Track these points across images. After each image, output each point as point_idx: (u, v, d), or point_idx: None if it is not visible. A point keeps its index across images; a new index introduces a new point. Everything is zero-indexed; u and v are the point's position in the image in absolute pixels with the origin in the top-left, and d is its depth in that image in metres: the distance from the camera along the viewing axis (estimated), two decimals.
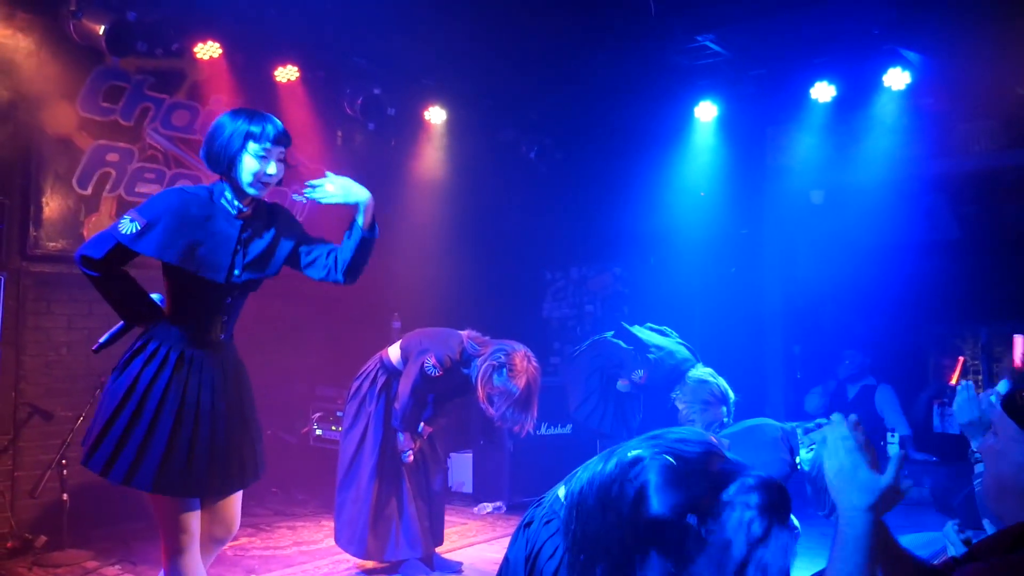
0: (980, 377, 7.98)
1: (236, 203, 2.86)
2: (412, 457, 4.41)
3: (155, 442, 2.68)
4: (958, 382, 5.88)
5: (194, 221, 2.78)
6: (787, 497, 1.98)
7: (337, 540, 4.50)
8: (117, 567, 4.51)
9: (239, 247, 2.84)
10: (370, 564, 4.57)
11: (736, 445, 3.67)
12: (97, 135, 5.35)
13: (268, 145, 2.81)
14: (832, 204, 7.13)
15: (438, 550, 4.63)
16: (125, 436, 2.69)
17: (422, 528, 4.42)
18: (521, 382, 4.11)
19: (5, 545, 4.65)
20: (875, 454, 1.56)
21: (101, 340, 2.94)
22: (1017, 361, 5.97)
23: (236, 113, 2.87)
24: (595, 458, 2.22)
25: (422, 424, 4.47)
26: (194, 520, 2.81)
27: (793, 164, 6.99)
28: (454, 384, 4.34)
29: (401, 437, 4.38)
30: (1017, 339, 6.23)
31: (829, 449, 1.58)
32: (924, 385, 7.39)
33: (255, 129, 2.80)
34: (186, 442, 2.72)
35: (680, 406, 4.40)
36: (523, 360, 4.17)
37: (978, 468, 2.36)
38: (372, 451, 4.39)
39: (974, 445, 2.67)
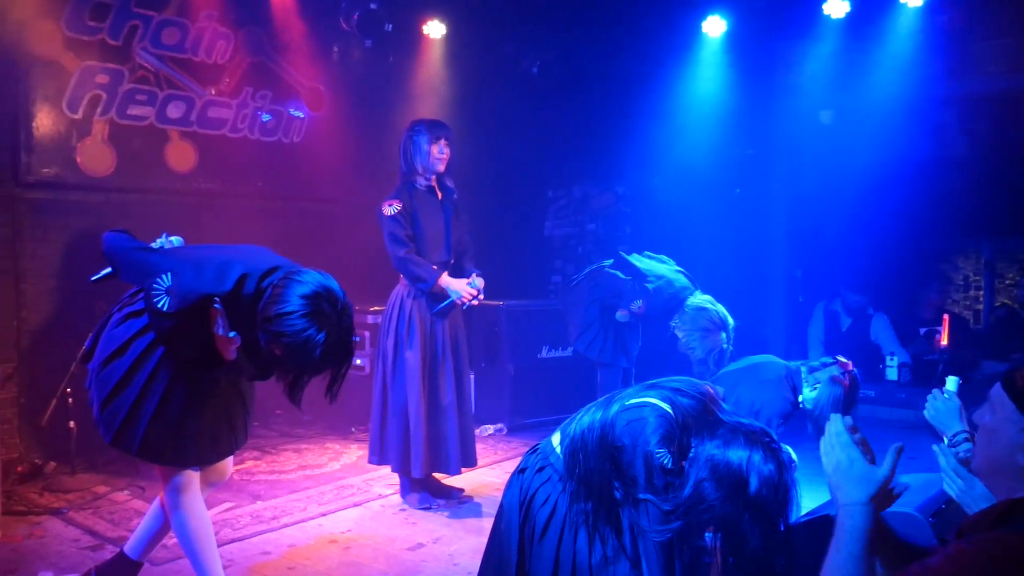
0: (981, 293, 8.00)
1: None
2: (467, 299, 4.36)
3: (143, 412, 2.68)
4: (949, 342, 5.93)
5: None
6: (774, 439, 1.99)
7: (384, 461, 4.49)
8: (126, 492, 4.60)
9: None
10: (376, 490, 4.67)
11: (739, 382, 3.70)
12: (85, 56, 5.18)
13: None
14: (841, 124, 6.97)
15: (438, 476, 4.67)
16: (113, 398, 2.68)
17: (455, 448, 4.44)
18: None
19: (16, 470, 4.72)
20: (871, 451, 1.57)
21: (98, 274, 2.91)
22: (944, 339, 6.03)
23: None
24: (594, 403, 2.22)
25: (473, 279, 4.42)
26: (190, 469, 2.86)
27: (803, 83, 6.81)
28: (427, 214, 4.38)
29: (440, 306, 4.36)
30: (945, 318, 6.24)
31: (825, 446, 1.60)
32: (923, 308, 7.40)
33: None
34: (175, 416, 2.71)
35: (679, 334, 4.41)
36: None
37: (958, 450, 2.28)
38: (415, 375, 4.37)
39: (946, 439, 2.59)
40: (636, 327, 5.14)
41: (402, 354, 4.40)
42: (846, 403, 3.47)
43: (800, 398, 3.63)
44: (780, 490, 1.89)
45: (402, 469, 4.43)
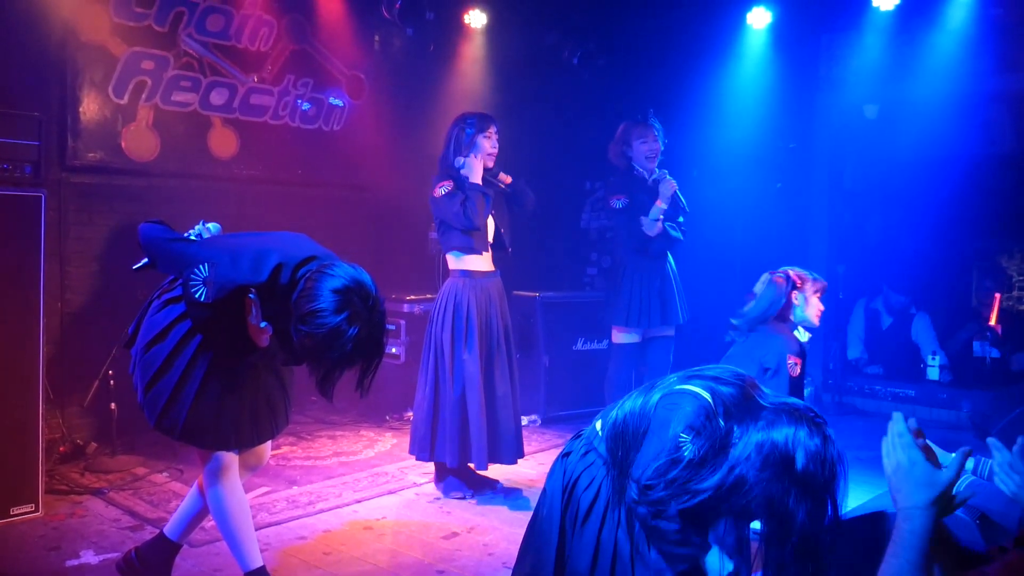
0: None
1: None
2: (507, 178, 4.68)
3: (184, 395, 2.71)
4: (998, 323, 5.80)
5: None
6: (818, 413, 1.96)
7: (435, 457, 4.46)
8: (165, 474, 4.66)
9: None
10: (411, 478, 4.68)
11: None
12: (131, 41, 5.23)
13: None
14: (886, 119, 6.83)
15: (472, 466, 4.67)
16: (156, 382, 2.72)
17: (511, 438, 4.48)
18: None
19: (58, 450, 4.81)
20: (934, 454, 1.52)
21: (138, 263, 2.94)
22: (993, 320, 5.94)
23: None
24: (637, 390, 2.21)
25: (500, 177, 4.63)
26: (229, 452, 2.89)
27: (848, 76, 6.67)
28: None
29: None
30: (996, 297, 6.15)
31: (887, 447, 1.55)
32: (965, 308, 7.25)
33: None
34: (215, 400, 2.74)
35: None
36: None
37: None
38: (474, 373, 4.37)
39: None
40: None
41: (459, 352, 4.38)
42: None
43: None
44: (827, 463, 1.86)
45: (460, 463, 4.40)
